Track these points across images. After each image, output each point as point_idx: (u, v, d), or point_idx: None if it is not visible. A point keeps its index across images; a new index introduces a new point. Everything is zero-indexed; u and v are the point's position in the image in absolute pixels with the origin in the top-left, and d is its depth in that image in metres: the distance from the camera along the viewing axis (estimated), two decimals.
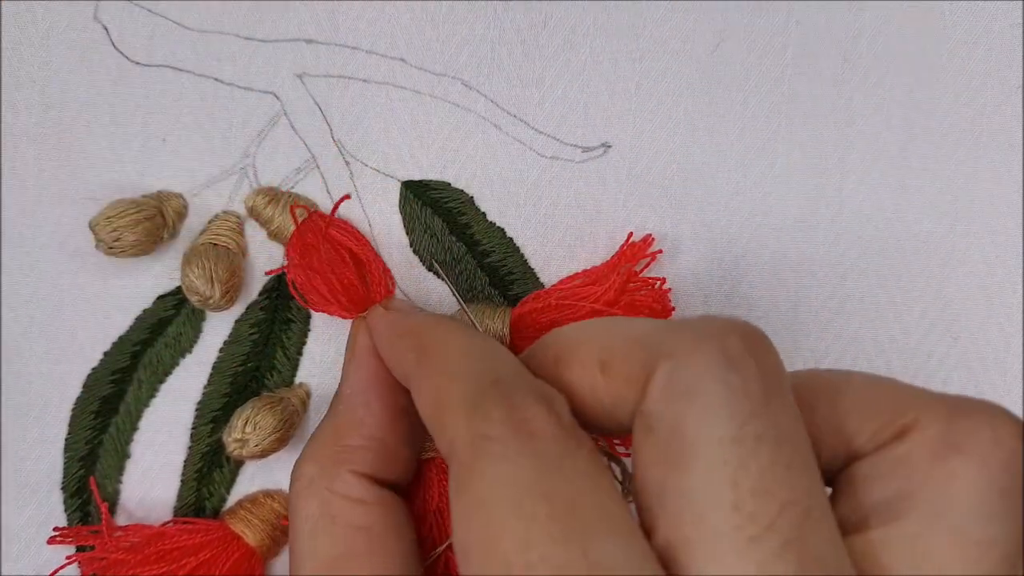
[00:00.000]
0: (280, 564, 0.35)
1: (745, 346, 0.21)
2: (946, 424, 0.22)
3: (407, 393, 0.26)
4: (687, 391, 0.21)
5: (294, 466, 0.28)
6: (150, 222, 0.33)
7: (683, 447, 0.20)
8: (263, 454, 0.33)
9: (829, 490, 0.24)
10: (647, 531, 0.21)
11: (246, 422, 0.33)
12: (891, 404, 0.23)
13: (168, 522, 0.34)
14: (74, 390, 0.34)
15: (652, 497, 0.21)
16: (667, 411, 0.21)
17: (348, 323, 0.34)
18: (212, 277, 0.32)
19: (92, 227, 0.32)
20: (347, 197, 0.34)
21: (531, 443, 0.21)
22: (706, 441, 0.20)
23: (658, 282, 0.34)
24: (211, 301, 0.33)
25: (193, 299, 0.33)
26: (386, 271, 0.34)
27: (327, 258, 0.32)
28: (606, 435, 0.26)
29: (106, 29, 0.33)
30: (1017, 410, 0.36)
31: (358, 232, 0.34)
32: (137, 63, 0.33)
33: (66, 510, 0.34)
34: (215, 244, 0.33)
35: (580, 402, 0.23)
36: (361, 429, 0.29)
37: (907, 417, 0.22)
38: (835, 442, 0.23)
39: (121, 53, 0.33)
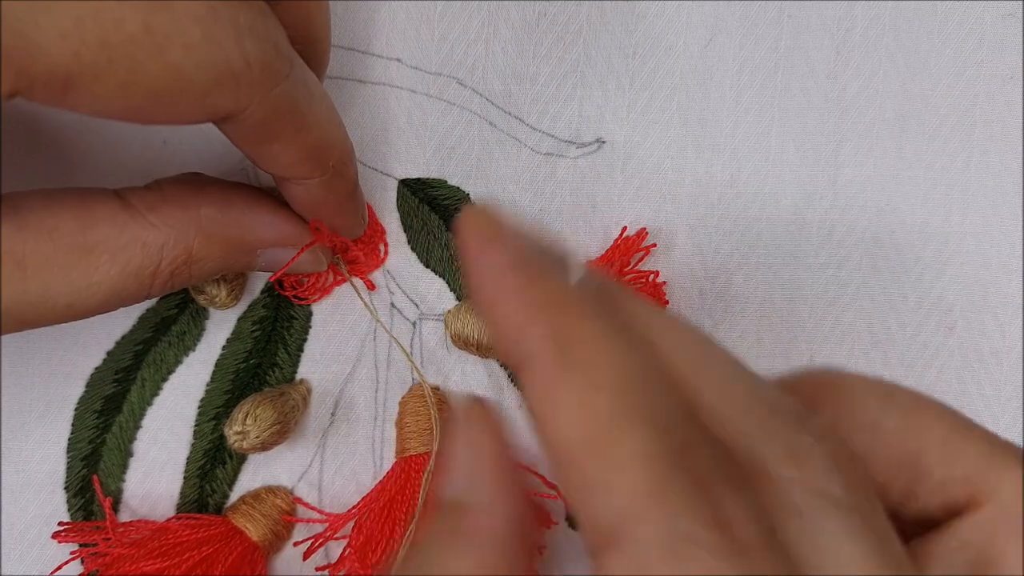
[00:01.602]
0: (282, 559, 0.35)
1: None
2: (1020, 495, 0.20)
3: None
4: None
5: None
6: None
7: None
8: (263, 446, 0.33)
9: None
10: None
11: (246, 415, 0.33)
12: (969, 457, 0.21)
13: (171, 518, 0.34)
14: (77, 389, 0.34)
15: None
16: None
17: (349, 322, 0.35)
18: (219, 279, 0.33)
19: None
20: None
21: (747, 558, 0.16)
22: None
23: (652, 275, 0.34)
24: (217, 300, 0.33)
25: (200, 299, 0.34)
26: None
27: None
28: None
29: None
30: (1016, 401, 0.36)
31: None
32: None
33: (69, 509, 0.34)
34: None
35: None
36: (495, 549, 0.20)
37: (988, 482, 0.21)
38: (901, 473, 0.21)
39: None
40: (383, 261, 0.35)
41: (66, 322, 0.27)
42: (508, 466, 0.21)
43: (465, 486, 0.20)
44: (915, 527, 0.22)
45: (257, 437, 0.33)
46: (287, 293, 0.34)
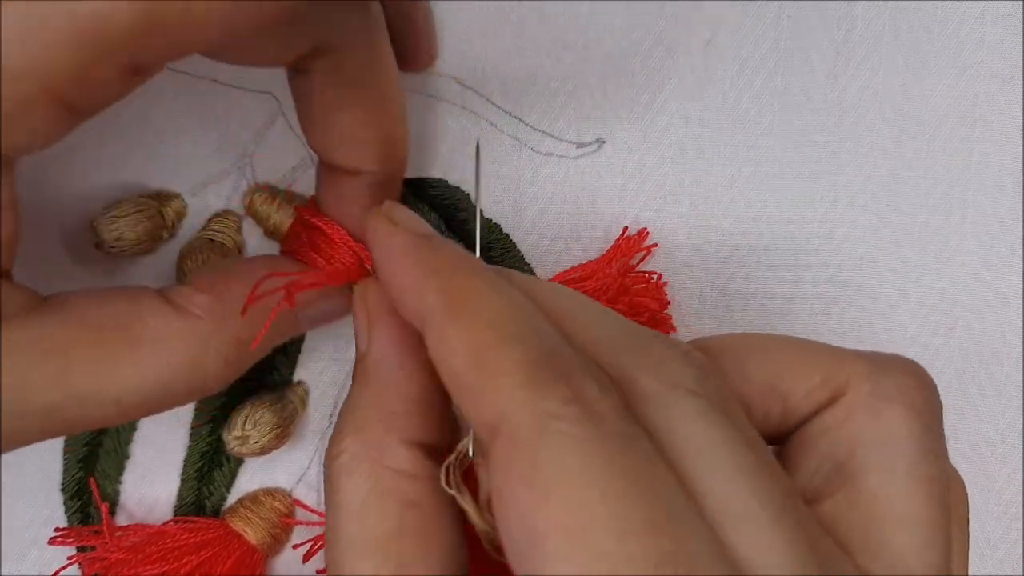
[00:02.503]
0: (280, 562, 0.35)
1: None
2: (873, 381, 0.24)
3: None
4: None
5: (330, 443, 0.26)
6: (150, 222, 0.33)
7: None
8: (263, 451, 0.33)
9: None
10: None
11: (246, 420, 0.33)
12: (820, 363, 0.25)
13: (169, 521, 0.34)
14: None
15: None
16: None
17: (345, 324, 0.34)
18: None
19: (93, 227, 0.32)
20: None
21: (602, 425, 0.20)
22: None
23: (654, 275, 0.34)
24: None
25: None
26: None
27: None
28: None
29: None
30: (1016, 401, 0.37)
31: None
32: None
33: (66, 512, 0.34)
34: (211, 240, 0.34)
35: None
36: (403, 391, 0.26)
37: (838, 378, 0.24)
38: (768, 401, 0.25)
39: None
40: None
41: (117, 423, 0.27)
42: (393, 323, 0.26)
43: (362, 342, 0.27)
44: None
45: (257, 442, 0.33)
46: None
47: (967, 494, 0.26)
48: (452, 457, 0.24)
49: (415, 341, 0.25)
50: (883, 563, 0.22)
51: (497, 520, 0.20)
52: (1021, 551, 0.37)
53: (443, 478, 0.24)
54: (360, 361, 0.27)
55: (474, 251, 0.33)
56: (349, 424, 0.26)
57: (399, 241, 0.25)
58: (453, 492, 0.24)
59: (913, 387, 0.24)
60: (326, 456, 0.26)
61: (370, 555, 0.24)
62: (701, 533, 0.19)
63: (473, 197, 0.34)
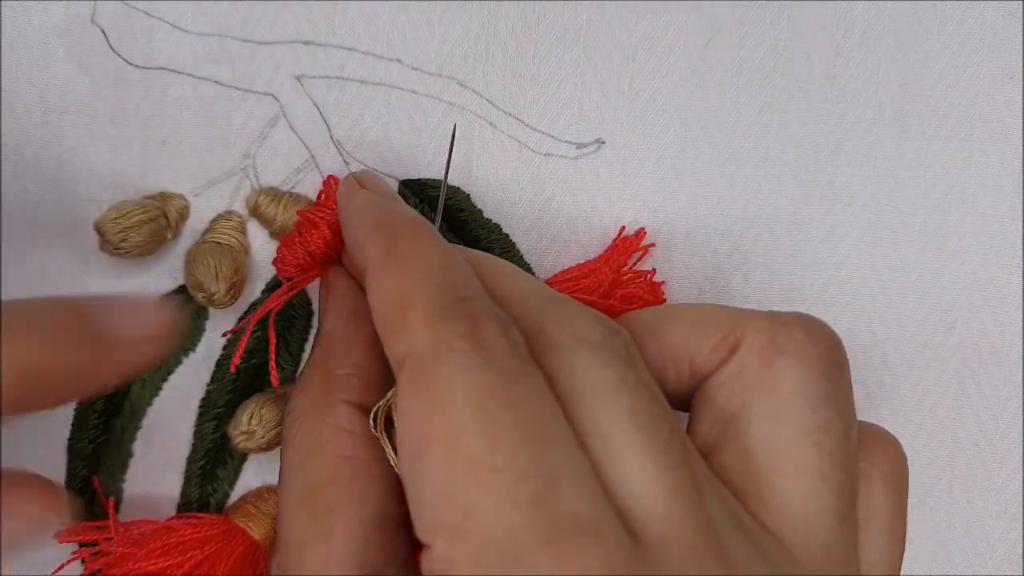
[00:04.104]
0: None
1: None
2: (769, 334, 0.25)
3: None
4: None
5: (287, 404, 0.29)
6: (155, 223, 0.33)
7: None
8: (268, 447, 0.33)
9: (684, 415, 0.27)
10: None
11: (251, 416, 0.33)
12: (723, 322, 0.26)
13: (172, 517, 0.34)
14: None
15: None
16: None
17: None
18: (217, 274, 0.33)
19: (98, 229, 0.33)
20: (334, 177, 0.35)
21: (493, 359, 0.22)
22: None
23: (649, 274, 0.34)
24: (215, 297, 0.33)
25: (198, 296, 0.34)
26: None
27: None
28: None
29: (104, 32, 0.34)
30: (1016, 401, 0.36)
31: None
32: (136, 66, 0.34)
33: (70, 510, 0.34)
34: (218, 243, 0.34)
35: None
36: (346, 358, 0.29)
37: (737, 333, 0.26)
38: (679, 363, 0.26)
39: (119, 56, 0.34)
40: None
41: None
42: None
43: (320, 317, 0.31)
44: None
45: (263, 437, 0.33)
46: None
47: (904, 458, 0.27)
48: (381, 402, 0.27)
49: (366, 317, 0.27)
50: (771, 511, 0.23)
51: (396, 442, 0.23)
52: (1021, 551, 0.37)
53: (371, 423, 0.27)
54: (316, 334, 0.31)
55: (473, 244, 0.34)
56: (300, 386, 0.30)
57: (359, 200, 0.29)
58: (377, 434, 0.26)
59: (807, 341, 0.25)
60: (283, 415, 0.30)
61: (304, 503, 0.26)
62: (573, 456, 0.21)
63: (448, 185, 0.35)
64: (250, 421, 0.33)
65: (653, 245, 0.35)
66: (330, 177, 0.34)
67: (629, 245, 0.35)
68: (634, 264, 0.35)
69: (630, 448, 0.22)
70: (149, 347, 0.28)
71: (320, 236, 0.32)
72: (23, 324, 0.26)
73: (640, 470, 0.21)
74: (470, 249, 0.29)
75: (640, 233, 0.35)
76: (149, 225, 0.33)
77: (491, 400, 0.21)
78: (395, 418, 0.25)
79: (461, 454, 0.21)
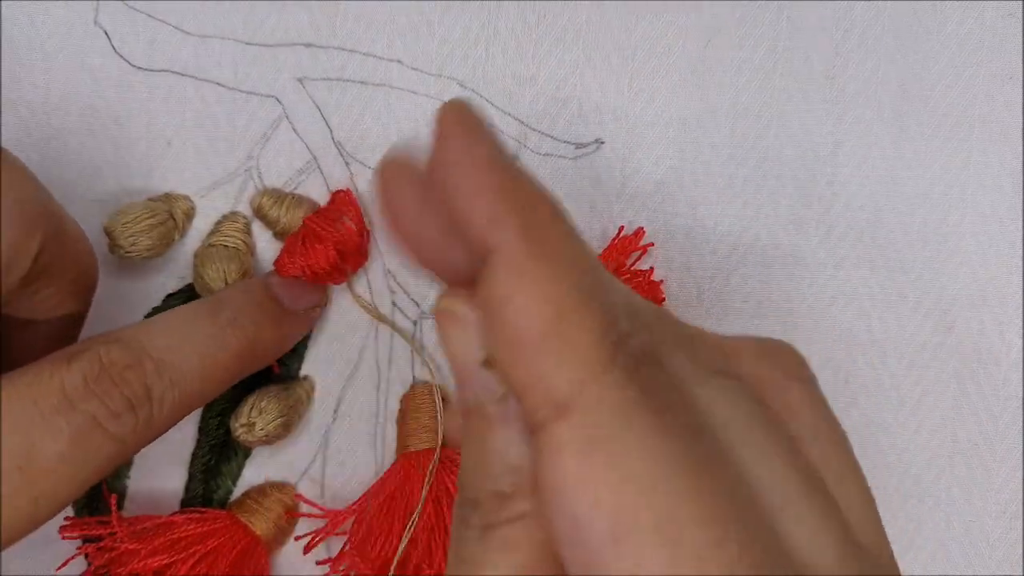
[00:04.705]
0: (285, 554, 0.36)
1: None
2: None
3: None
4: None
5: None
6: (164, 226, 0.34)
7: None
8: (268, 439, 0.34)
9: None
10: None
11: (252, 408, 0.34)
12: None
13: (176, 512, 0.35)
14: None
15: None
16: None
17: (350, 322, 0.35)
18: (226, 278, 0.33)
19: (108, 232, 0.33)
20: (347, 191, 0.35)
21: (679, 416, 0.19)
22: None
23: (647, 273, 0.34)
24: None
25: (203, 294, 0.34)
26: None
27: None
28: None
29: (107, 34, 0.34)
30: (1016, 401, 0.36)
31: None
32: (139, 68, 0.34)
33: (74, 506, 0.35)
34: (225, 246, 0.34)
35: None
36: None
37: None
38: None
39: (122, 58, 0.34)
40: (364, 261, 0.35)
41: None
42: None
43: None
44: None
45: (262, 430, 0.33)
46: None
47: (796, 352, 0.23)
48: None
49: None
50: None
51: (550, 506, 0.19)
52: (1021, 551, 0.37)
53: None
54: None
55: None
56: None
57: (483, 154, 0.20)
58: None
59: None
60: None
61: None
62: (771, 529, 0.18)
63: None
64: (250, 413, 0.34)
65: (652, 244, 0.35)
66: (339, 191, 0.35)
67: (628, 244, 0.35)
68: (633, 263, 0.35)
69: (794, 504, 0.19)
70: (312, 317, 0.35)
71: (324, 254, 0.33)
72: (243, 299, 0.32)
73: (809, 531, 0.19)
74: None
75: (639, 232, 0.35)
76: (159, 228, 0.34)
77: (690, 473, 0.18)
78: (545, 463, 0.19)
79: (685, 547, 0.17)
